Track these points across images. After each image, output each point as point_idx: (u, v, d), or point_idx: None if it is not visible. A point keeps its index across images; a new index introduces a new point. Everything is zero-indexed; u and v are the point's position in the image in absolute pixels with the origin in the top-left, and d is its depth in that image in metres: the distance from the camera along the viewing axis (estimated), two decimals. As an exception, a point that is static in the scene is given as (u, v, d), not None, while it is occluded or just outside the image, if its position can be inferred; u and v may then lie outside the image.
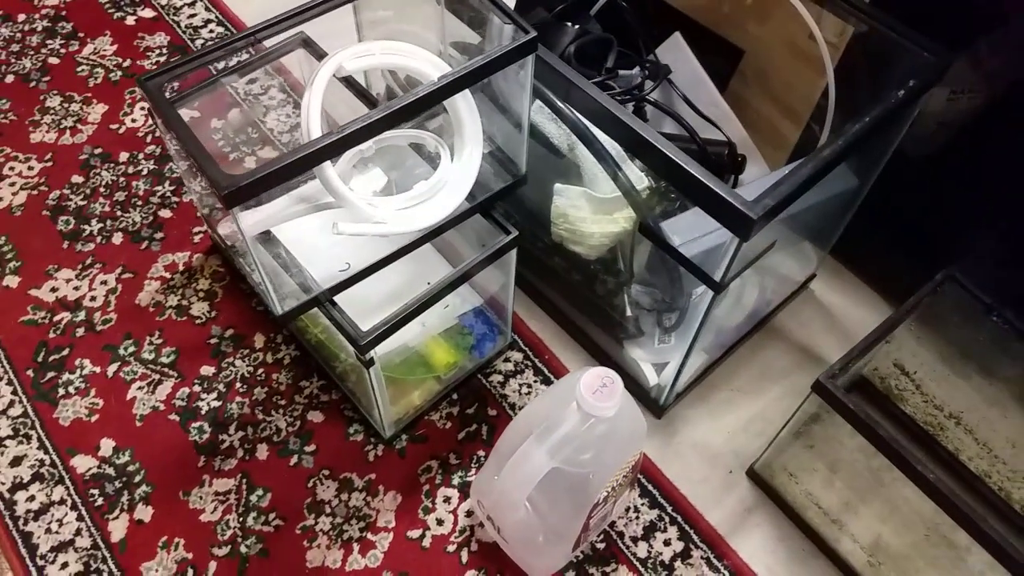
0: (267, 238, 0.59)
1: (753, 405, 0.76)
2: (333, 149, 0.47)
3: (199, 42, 1.02)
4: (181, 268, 0.83)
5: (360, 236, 0.56)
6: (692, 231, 0.61)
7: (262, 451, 0.71)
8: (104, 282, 0.82)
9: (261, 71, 0.93)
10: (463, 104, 0.58)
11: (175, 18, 1.04)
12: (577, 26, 0.73)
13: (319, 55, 0.71)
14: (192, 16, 1.05)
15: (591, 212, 0.67)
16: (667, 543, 0.67)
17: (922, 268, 0.75)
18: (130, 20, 1.04)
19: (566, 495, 0.58)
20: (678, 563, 0.66)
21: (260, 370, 0.76)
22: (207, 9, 1.05)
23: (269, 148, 0.89)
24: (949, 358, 0.66)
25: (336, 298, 0.59)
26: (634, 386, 0.75)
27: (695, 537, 0.67)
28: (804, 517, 0.68)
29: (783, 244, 0.72)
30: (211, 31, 1.03)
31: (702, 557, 0.67)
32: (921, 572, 0.64)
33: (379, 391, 0.63)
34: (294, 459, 0.71)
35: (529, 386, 0.76)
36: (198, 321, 0.79)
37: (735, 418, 0.75)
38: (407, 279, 0.70)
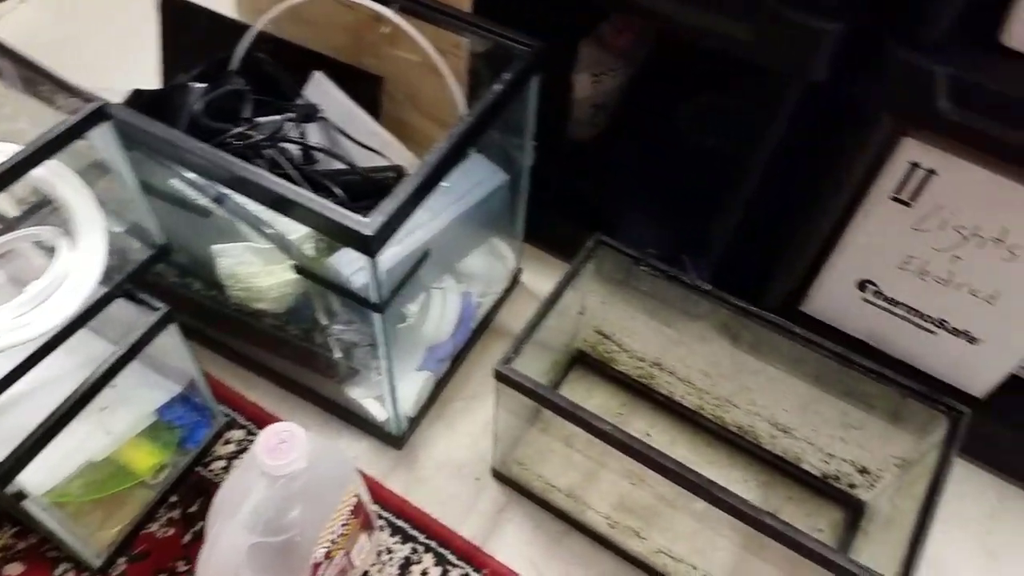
0: None
1: (488, 407, 0.76)
2: None
3: None
4: None
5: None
6: (357, 262, 0.60)
7: (-51, 632, 0.61)
8: None
9: None
10: (63, 187, 0.53)
11: None
12: (205, 84, 0.70)
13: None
14: None
15: (262, 265, 0.65)
16: (424, 574, 0.65)
17: (608, 235, 0.80)
18: None
19: (281, 566, 0.54)
20: (441, 589, 0.65)
21: (-66, 539, 0.65)
22: None
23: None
24: (631, 314, 0.70)
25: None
26: (368, 425, 0.73)
27: (451, 557, 0.66)
28: (549, 500, 0.69)
29: (459, 249, 0.74)
30: None
31: (461, 574, 0.65)
32: (665, 517, 0.67)
33: (54, 524, 0.56)
34: (-9, 627, 0.61)
35: (257, 459, 0.71)
36: None
37: (474, 425, 0.75)
38: (71, 386, 0.63)
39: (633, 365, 0.75)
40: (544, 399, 0.57)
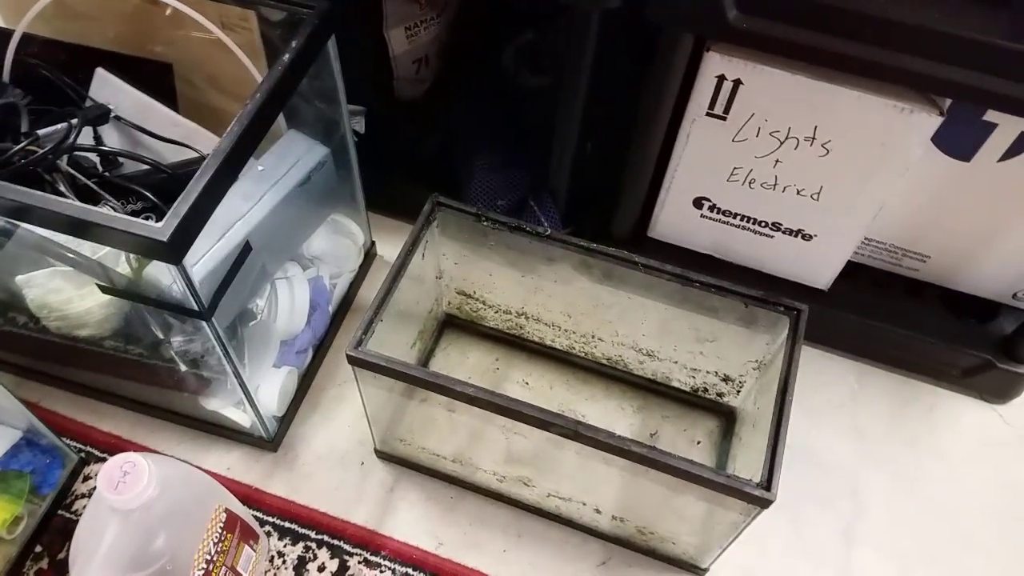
0: None
1: (362, 389, 0.74)
2: None
3: None
4: None
5: None
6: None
7: None
8: None
9: None
10: None
11: None
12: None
13: None
14: None
15: (75, 289, 0.60)
16: (321, 568, 0.64)
17: (453, 192, 0.79)
18: None
19: (154, 601, 0.51)
20: (340, 581, 0.64)
21: None
22: None
23: None
24: (487, 268, 0.69)
25: None
26: (235, 434, 0.70)
27: (347, 547, 0.65)
28: (438, 469, 0.69)
29: (295, 234, 0.70)
30: None
31: (359, 561, 0.64)
32: (549, 461, 0.67)
33: None
34: None
35: (122, 492, 0.67)
36: None
37: (350, 411, 0.73)
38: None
39: (501, 319, 0.75)
40: (400, 374, 0.55)
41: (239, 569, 0.58)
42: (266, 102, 0.52)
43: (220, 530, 0.54)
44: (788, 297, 0.59)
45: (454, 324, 0.78)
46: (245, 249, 0.56)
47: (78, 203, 0.47)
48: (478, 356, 0.77)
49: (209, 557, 0.53)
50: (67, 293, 0.59)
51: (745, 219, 0.71)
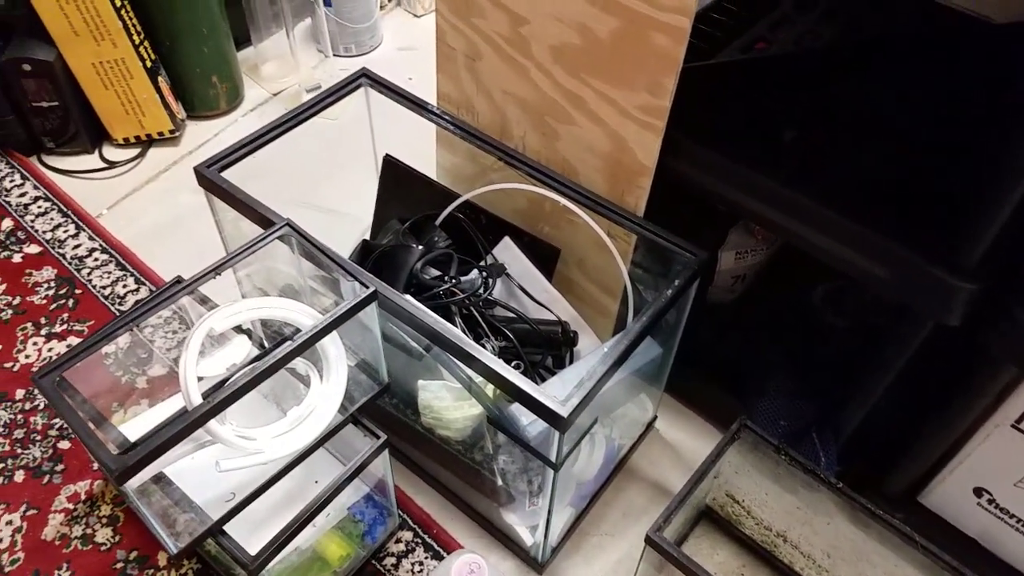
0: (158, 477, 0.67)
1: (620, 546, 0.86)
2: (212, 414, 0.56)
3: (85, 271, 1.10)
4: (83, 497, 0.87)
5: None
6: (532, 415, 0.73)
7: (173, 671, 0.75)
8: (9, 522, 0.85)
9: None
10: (326, 337, 0.69)
11: (60, 251, 1.12)
12: (421, 247, 0.86)
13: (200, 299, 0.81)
14: (77, 247, 1.13)
15: (452, 400, 0.78)
16: None
17: (739, 397, 0.90)
18: (17, 258, 1.12)
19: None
20: None
21: (166, 588, 0.81)
22: (91, 239, 1.14)
23: (158, 366, 0.96)
24: (764, 487, 0.79)
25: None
26: (515, 547, 0.84)
27: None
28: (672, 647, 0.77)
29: (610, 409, 0.85)
30: (96, 259, 1.12)
31: None
32: None
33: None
34: (204, 674, 0.75)
35: (421, 564, 0.83)
36: (103, 548, 0.84)
37: (607, 561, 0.85)
38: (296, 482, 0.78)
39: (758, 531, 0.83)
40: (689, 571, 0.66)
41: (503, 668, 0.71)
42: (651, 321, 0.67)
43: (508, 634, 0.68)
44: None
45: (711, 517, 0.88)
46: (594, 421, 0.71)
47: (507, 368, 0.64)
48: (726, 556, 0.85)
49: (495, 653, 0.67)
50: (446, 402, 0.78)
51: (1022, 523, 0.74)
